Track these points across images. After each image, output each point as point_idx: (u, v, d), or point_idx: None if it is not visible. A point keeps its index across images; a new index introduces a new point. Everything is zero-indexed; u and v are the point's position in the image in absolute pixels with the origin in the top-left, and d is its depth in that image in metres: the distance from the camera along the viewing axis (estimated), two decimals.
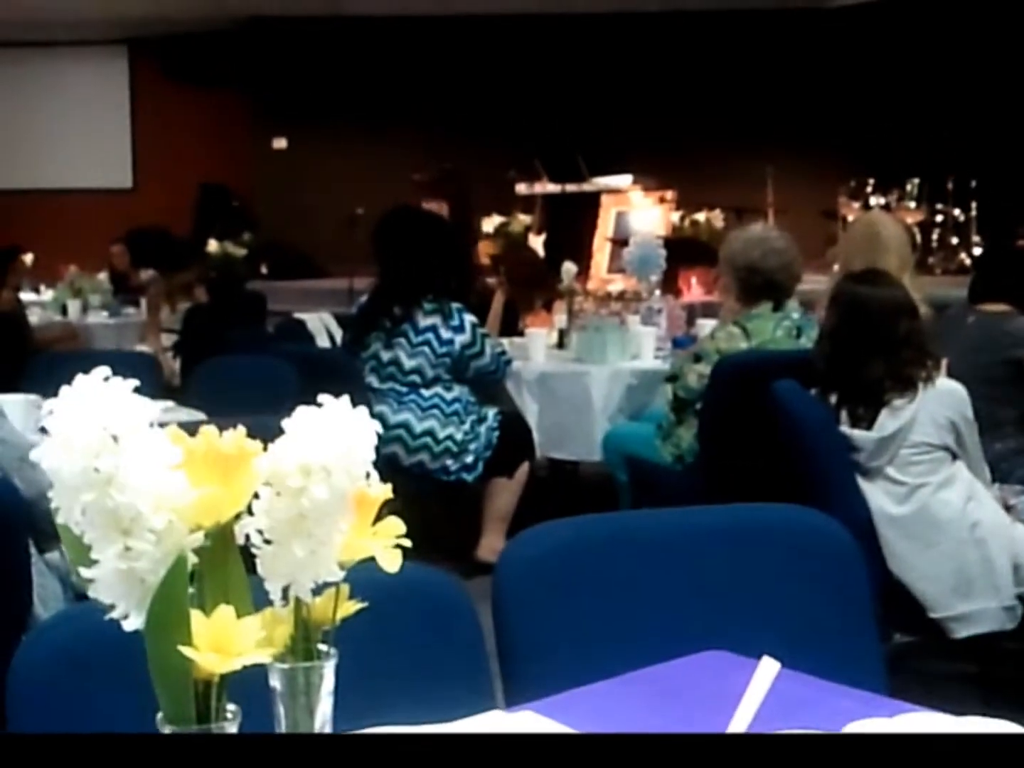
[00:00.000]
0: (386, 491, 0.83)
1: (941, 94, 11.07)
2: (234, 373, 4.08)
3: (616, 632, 1.53)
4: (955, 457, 2.89)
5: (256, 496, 0.76)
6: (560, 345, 5.05)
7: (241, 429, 0.77)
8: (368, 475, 0.79)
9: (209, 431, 0.76)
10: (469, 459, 4.33)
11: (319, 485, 0.75)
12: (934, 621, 2.86)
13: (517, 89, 11.55)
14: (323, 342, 5.70)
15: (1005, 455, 3.47)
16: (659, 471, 3.99)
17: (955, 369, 3.19)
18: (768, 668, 1.15)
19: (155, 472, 0.70)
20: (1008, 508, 2.97)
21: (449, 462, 4.31)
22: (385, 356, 4.34)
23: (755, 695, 1.12)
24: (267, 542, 0.78)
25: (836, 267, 4.35)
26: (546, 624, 1.50)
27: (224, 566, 0.76)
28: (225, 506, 0.75)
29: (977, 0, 10.61)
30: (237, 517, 0.77)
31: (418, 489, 4.33)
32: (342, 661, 0.85)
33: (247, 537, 0.78)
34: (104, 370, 0.73)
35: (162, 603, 0.70)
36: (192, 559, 0.74)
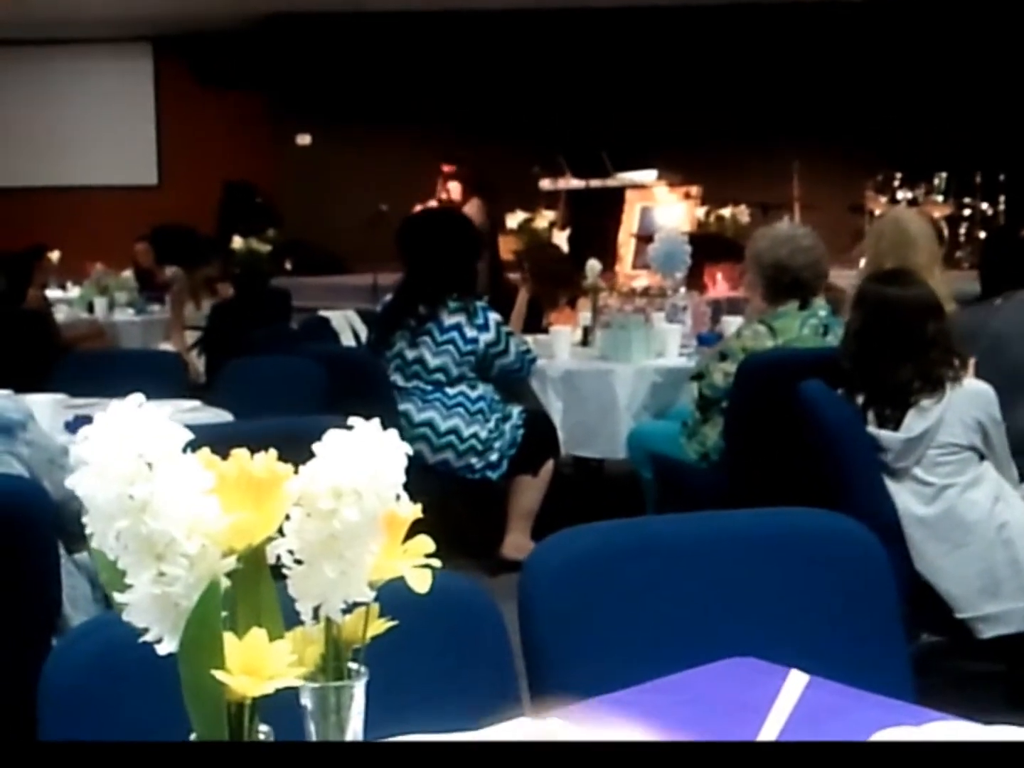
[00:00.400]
0: (416, 511, 0.83)
1: (968, 88, 11.00)
2: (260, 372, 4.10)
3: (642, 639, 1.53)
4: (982, 458, 2.88)
5: (287, 517, 0.77)
6: (584, 343, 5.05)
7: (272, 452, 0.77)
8: (398, 497, 0.80)
9: (240, 455, 0.76)
10: (494, 457, 4.33)
11: (350, 508, 0.75)
12: (961, 621, 2.85)
13: (540, 84, 11.54)
14: (347, 340, 5.72)
15: None
16: (684, 469, 3.98)
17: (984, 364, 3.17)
18: (797, 680, 1.15)
19: (188, 498, 0.70)
20: None
21: (474, 460, 4.32)
22: (410, 355, 4.35)
23: (784, 705, 1.12)
24: (298, 563, 0.78)
25: (863, 264, 4.31)
26: (572, 631, 1.50)
27: (256, 588, 0.77)
28: (257, 530, 0.75)
29: None
30: (269, 539, 0.77)
31: (443, 487, 4.35)
32: (370, 671, 0.86)
33: (278, 557, 0.79)
34: (138, 397, 0.74)
35: (196, 627, 0.71)
36: (225, 582, 0.74)
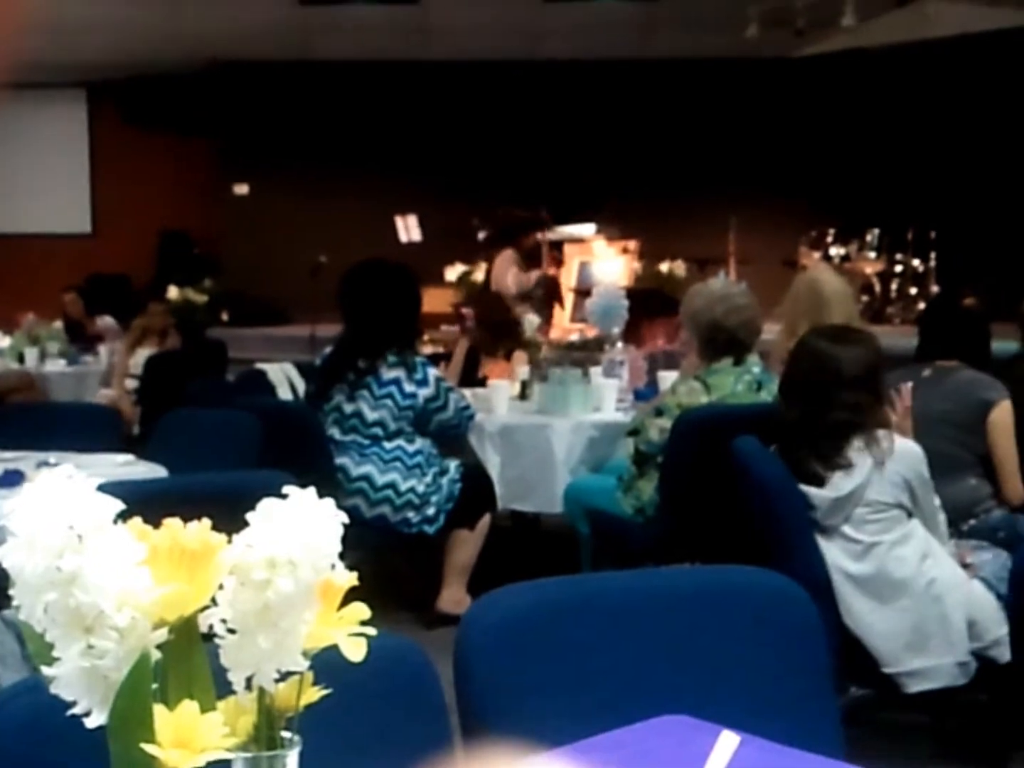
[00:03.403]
0: (352, 579, 0.83)
1: (902, 145, 11.27)
2: (195, 425, 4.06)
3: (578, 696, 1.53)
4: (910, 515, 2.92)
5: (221, 587, 0.76)
6: (523, 396, 5.06)
7: (206, 522, 0.77)
8: (334, 565, 0.79)
9: (173, 524, 0.76)
10: (431, 511, 4.32)
11: (285, 578, 0.75)
12: (889, 675, 2.88)
13: (480, 138, 11.64)
14: (285, 393, 5.69)
15: (965, 496, 3.52)
16: (620, 524, 4.00)
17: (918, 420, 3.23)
18: (728, 740, 1.16)
19: (118, 570, 0.70)
20: (965, 565, 3.00)
21: (411, 514, 4.30)
22: (348, 408, 4.34)
23: (716, 764, 1.12)
24: (231, 632, 0.78)
25: (781, 326, 4.40)
26: (508, 688, 1.49)
27: (188, 660, 0.76)
28: (189, 601, 0.74)
29: (937, 54, 10.81)
30: (201, 609, 0.76)
31: (380, 541, 4.32)
32: (304, 732, 0.85)
33: (211, 626, 0.78)
34: (68, 468, 0.73)
35: (125, 700, 0.70)
36: (156, 654, 0.74)
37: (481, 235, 8.83)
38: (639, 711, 1.33)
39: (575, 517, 4.35)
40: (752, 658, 1.60)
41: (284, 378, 5.79)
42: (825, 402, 2.90)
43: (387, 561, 4.80)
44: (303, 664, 0.81)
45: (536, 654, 1.52)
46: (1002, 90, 10.79)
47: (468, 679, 1.46)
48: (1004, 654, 2.82)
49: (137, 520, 0.75)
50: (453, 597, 4.31)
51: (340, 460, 4.29)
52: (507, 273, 7.38)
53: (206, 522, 0.77)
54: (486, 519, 4.42)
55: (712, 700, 1.50)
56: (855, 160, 11.34)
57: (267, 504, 0.77)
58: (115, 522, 0.73)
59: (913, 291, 10.41)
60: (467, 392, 4.83)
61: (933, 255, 10.49)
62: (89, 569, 0.69)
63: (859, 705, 3.01)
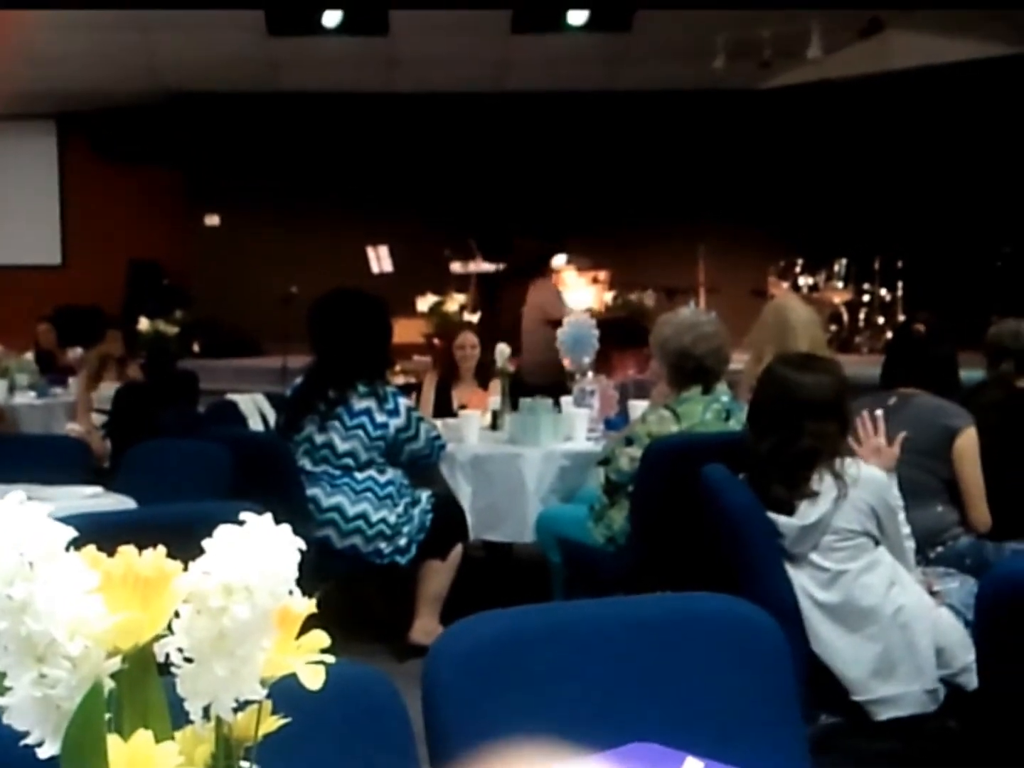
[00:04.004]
0: (310, 606, 0.82)
1: (868, 176, 11.39)
2: (165, 456, 4.02)
3: (547, 725, 1.52)
4: (877, 543, 2.93)
5: (176, 615, 0.76)
6: (494, 426, 5.06)
7: (161, 549, 0.76)
8: (291, 592, 0.79)
9: (128, 552, 0.75)
10: (402, 542, 4.30)
11: (241, 605, 0.74)
12: (857, 703, 2.88)
13: (451, 168, 11.68)
14: (255, 424, 5.66)
15: (931, 522, 3.54)
16: (591, 553, 4.00)
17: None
18: (693, 766, 1.16)
19: (71, 598, 0.69)
20: (933, 593, 3.01)
21: (382, 545, 4.29)
22: (319, 439, 4.32)
23: None
24: (188, 660, 0.77)
25: (748, 355, 4.44)
26: (477, 717, 1.49)
27: (143, 689, 0.75)
28: (144, 629, 0.74)
29: (901, 86, 10.96)
30: (157, 637, 0.76)
31: (351, 572, 4.31)
32: (268, 763, 0.84)
33: (167, 655, 0.77)
34: (19, 495, 0.72)
35: (78, 730, 0.69)
36: (110, 683, 0.73)
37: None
38: (608, 739, 1.32)
39: (547, 546, 4.34)
40: (720, 685, 1.60)
41: (255, 409, 5.76)
42: (792, 430, 2.92)
43: (359, 592, 4.78)
44: (261, 692, 0.80)
45: (504, 683, 1.52)
46: (965, 120, 10.93)
47: (436, 709, 1.45)
48: (972, 681, 2.82)
49: (90, 548, 0.74)
50: (425, 628, 4.29)
51: (311, 491, 4.27)
52: (558, 300, 7.65)
53: (161, 549, 0.76)
54: (458, 549, 4.41)
55: (681, 728, 1.50)
56: (822, 190, 11.45)
57: (223, 530, 0.76)
58: (68, 550, 0.72)
59: (881, 320, 10.50)
60: (438, 422, 4.83)
61: (900, 284, 10.60)
62: (40, 597, 0.68)
63: (828, 733, 3.01)
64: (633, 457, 3.79)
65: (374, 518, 4.27)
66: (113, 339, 7.23)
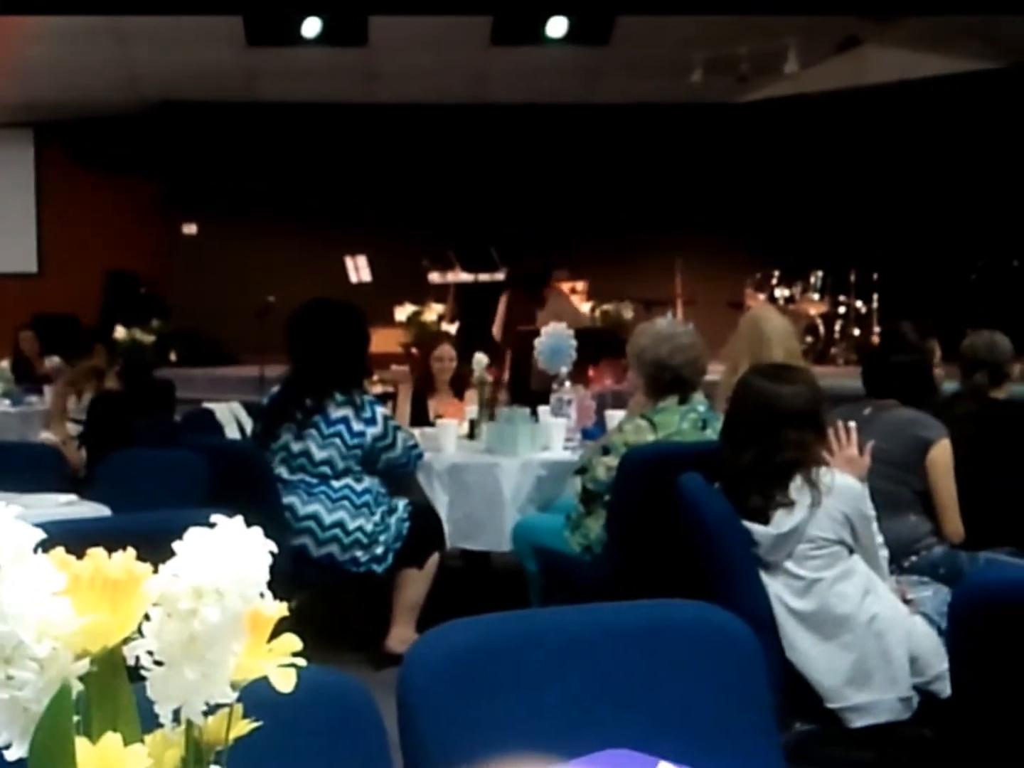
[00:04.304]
0: (282, 609, 0.82)
1: (844, 189, 11.45)
2: (141, 465, 4.01)
3: (522, 732, 1.53)
4: (852, 551, 2.95)
5: (147, 617, 0.75)
6: (471, 436, 5.06)
7: (131, 551, 0.76)
8: (263, 595, 0.79)
9: (96, 554, 0.75)
10: (379, 550, 4.30)
11: (211, 608, 0.74)
12: (832, 711, 2.89)
13: (430, 179, 11.69)
14: (232, 432, 5.64)
15: (906, 532, 3.56)
16: (568, 561, 4.00)
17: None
18: None
19: (38, 599, 0.69)
20: (907, 601, 3.02)
21: (359, 553, 4.28)
22: (296, 447, 4.32)
23: None
24: (158, 663, 0.77)
25: (724, 365, 4.46)
26: (452, 725, 1.49)
27: (112, 691, 0.75)
28: (113, 632, 0.73)
29: (878, 100, 11.04)
30: (126, 640, 0.75)
31: (328, 580, 4.30)
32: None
33: (136, 658, 0.77)
34: None
35: (46, 733, 0.69)
36: (78, 685, 0.72)
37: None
38: (582, 746, 1.32)
39: (524, 555, 4.34)
40: (695, 693, 1.60)
41: (232, 417, 5.75)
42: (772, 440, 2.93)
43: (335, 600, 4.77)
44: (231, 696, 0.79)
45: (479, 690, 1.52)
46: (940, 134, 11.01)
47: (411, 716, 1.45)
48: (946, 688, 2.83)
49: (59, 550, 0.74)
50: (402, 636, 4.28)
51: (288, 499, 4.26)
52: (572, 307, 7.70)
53: (131, 552, 0.76)
54: (435, 558, 4.41)
55: (656, 734, 1.50)
56: (798, 203, 11.51)
57: (194, 533, 0.76)
58: (36, 552, 0.72)
59: (856, 332, 10.55)
60: (415, 431, 4.83)
61: (876, 296, 10.65)
62: (7, 599, 0.68)
63: (803, 741, 3.01)
64: (610, 466, 3.80)
65: (351, 526, 4.26)
66: (99, 353, 7.20)
